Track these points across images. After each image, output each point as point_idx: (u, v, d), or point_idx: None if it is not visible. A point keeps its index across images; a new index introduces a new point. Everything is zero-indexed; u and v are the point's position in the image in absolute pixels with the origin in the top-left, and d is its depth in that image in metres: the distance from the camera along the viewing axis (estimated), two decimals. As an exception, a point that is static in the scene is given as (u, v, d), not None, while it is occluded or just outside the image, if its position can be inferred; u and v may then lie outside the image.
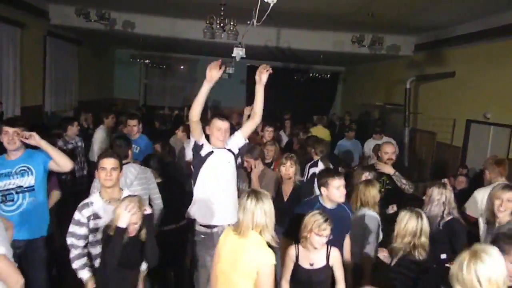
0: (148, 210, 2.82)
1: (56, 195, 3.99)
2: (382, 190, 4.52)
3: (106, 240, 2.71)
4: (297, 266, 2.95)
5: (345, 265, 3.21)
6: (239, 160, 3.73)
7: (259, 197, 2.42)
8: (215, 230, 3.44)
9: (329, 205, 3.35)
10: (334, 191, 3.28)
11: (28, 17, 7.72)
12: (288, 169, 4.29)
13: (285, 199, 4.31)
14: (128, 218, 2.62)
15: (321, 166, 5.04)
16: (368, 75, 12.91)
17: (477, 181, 4.93)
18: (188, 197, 4.08)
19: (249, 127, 3.62)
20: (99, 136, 6.31)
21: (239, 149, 3.62)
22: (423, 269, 2.81)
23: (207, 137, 3.55)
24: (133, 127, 5.24)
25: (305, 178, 5.06)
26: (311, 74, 12.80)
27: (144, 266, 2.98)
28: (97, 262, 2.94)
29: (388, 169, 4.50)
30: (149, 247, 2.78)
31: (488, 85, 6.94)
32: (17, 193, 3.33)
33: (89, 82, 11.65)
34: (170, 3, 7.47)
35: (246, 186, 4.25)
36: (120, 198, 3.01)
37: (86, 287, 2.87)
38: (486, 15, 6.66)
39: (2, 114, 6.79)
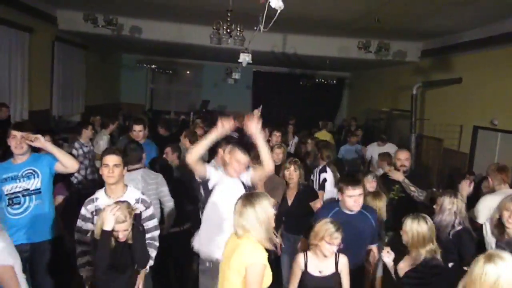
0: (137, 210, 2.82)
1: (57, 200, 4.00)
2: (396, 198, 4.53)
3: (94, 243, 2.72)
4: (305, 273, 2.93)
5: (366, 275, 3.23)
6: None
7: (250, 200, 2.38)
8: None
9: (347, 210, 3.32)
10: (347, 199, 3.27)
11: (37, 22, 7.80)
12: (292, 173, 4.30)
13: (289, 204, 4.32)
14: (113, 221, 2.61)
15: (329, 171, 5.04)
16: (374, 81, 12.89)
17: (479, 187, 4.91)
18: (193, 200, 4.09)
19: (259, 175, 3.46)
20: (104, 143, 6.37)
21: (248, 186, 3.48)
22: (441, 271, 2.83)
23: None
24: (139, 133, 5.27)
25: (316, 183, 5.05)
26: (317, 80, 12.82)
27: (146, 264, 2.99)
28: None
29: (398, 176, 4.49)
30: (137, 248, 2.75)
31: (495, 91, 6.89)
32: (23, 196, 3.35)
33: (96, 86, 11.73)
34: (177, 8, 7.51)
35: None
36: (124, 195, 3.05)
37: (84, 285, 2.89)
38: (493, 21, 6.64)
39: (9, 117, 6.85)
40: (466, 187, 4.08)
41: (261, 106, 4.41)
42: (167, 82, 15.54)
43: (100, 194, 3.05)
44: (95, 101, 11.50)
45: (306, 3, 6.32)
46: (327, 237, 2.81)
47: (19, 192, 3.33)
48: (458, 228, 3.34)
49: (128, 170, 3.77)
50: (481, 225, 3.85)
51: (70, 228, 3.34)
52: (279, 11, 2.78)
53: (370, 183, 4.58)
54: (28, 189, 3.35)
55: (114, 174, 2.97)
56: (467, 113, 7.66)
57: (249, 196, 2.45)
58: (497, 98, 6.86)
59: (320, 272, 2.92)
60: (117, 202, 2.73)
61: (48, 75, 8.74)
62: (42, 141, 3.27)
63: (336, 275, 2.96)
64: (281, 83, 14.60)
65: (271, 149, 5.30)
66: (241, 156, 3.33)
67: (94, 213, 2.98)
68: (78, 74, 10.23)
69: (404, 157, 4.63)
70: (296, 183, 4.34)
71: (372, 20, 6.87)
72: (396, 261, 3.11)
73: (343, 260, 2.99)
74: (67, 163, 3.36)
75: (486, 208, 3.78)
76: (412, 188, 4.37)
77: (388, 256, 3.11)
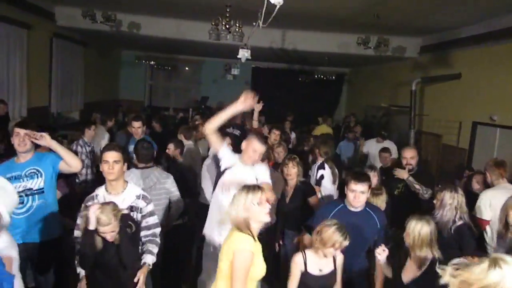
0: (124, 211, 2.81)
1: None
2: (398, 191, 4.55)
3: (79, 243, 2.74)
4: (306, 274, 2.88)
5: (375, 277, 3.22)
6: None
7: (238, 191, 2.44)
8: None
9: (351, 207, 3.27)
10: (349, 194, 3.22)
11: (35, 19, 7.77)
12: (290, 170, 4.30)
13: (287, 200, 4.33)
14: (95, 221, 2.61)
15: (327, 168, 5.04)
16: (374, 77, 12.87)
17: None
18: (190, 193, 4.11)
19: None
20: (105, 143, 6.38)
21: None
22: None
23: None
24: (138, 129, 5.32)
25: (313, 179, 5.05)
26: (316, 76, 12.82)
27: (149, 260, 2.98)
28: None
29: (402, 174, 4.49)
30: (123, 248, 2.72)
31: (495, 87, 6.89)
32: (26, 195, 3.33)
33: (95, 83, 11.71)
34: (176, 4, 7.49)
35: None
36: (123, 191, 3.05)
37: (80, 284, 2.88)
38: (492, 17, 6.63)
39: (7, 114, 6.84)
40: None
41: (261, 102, 4.41)
42: (166, 78, 15.52)
43: (100, 190, 3.05)
44: (94, 97, 11.48)
45: (305, -2, 6.31)
46: (336, 245, 2.77)
47: (22, 191, 3.31)
48: (459, 223, 3.34)
49: (140, 168, 3.81)
50: (480, 220, 3.87)
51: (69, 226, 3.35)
52: (278, 6, 2.78)
53: (372, 178, 4.59)
54: (31, 188, 3.34)
55: (114, 170, 2.97)
56: (466, 109, 7.66)
57: (241, 188, 2.46)
58: (496, 93, 6.86)
59: (320, 270, 2.89)
60: (102, 204, 2.72)
61: (46, 71, 8.72)
62: (47, 139, 3.26)
63: (335, 273, 2.95)
64: (280, 79, 14.59)
65: (271, 147, 5.32)
66: (257, 145, 3.42)
67: None
68: (76, 71, 10.20)
69: (410, 155, 4.60)
70: (294, 179, 4.34)
71: (371, 16, 6.86)
72: (396, 258, 3.10)
73: (340, 256, 2.97)
74: (71, 162, 3.35)
75: (487, 203, 3.79)
76: (417, 186, 4.36)
77: (381, 254, 3.07)
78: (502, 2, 5.85)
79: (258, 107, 5.41)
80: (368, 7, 6.53)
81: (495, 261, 1.86)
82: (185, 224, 4.33)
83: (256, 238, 2.41)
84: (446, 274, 1.75)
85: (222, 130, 4.49)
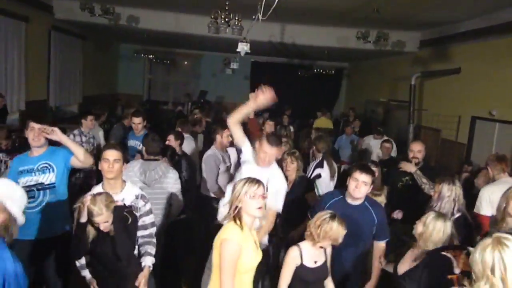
0: (118, 202, 2.81)
1: None
2: (401, 184, 4.56)
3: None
4: (302, 267, 2.85)
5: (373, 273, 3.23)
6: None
7: (238, 181, 2.49)
8: None
9: (350, 200, 3.25)
10: (351, 182, 3.19)
11: (33, 11, 7.72)
12: (289, 165, 4.28)
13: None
14: (86, 213, 2.62)
15: (326, 167, 4.99)
16: (373, 71, 12.85)
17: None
18: (186, 190, 4.10)
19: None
20: (101, 137, 6.35)
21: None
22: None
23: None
24: (138, 125, 5.31)
25: (309, 176, 5.04)
26: (315, 70, 12.80)
27: (149, 262, 2.98)
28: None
29: (410, 167, 4.45)
30: (117, 240, 2.71)
31: (494, 82, 6.88)
32: (38, 190, 3.33)
33: (93, 76, 11.67)
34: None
35: None
36: (122, 190, 3.05)
37: (90, 286, 2.87)
38: (492, 11, 6.60)
39: (5, 106, 6.82)
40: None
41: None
42: (164, 72, 15.47)
43: (97, 189, 3.02)
44: (92, 91, 11.45)
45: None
46: (339, 239, 2.78)
47: (33, 185, 3.31)
48: (457, 215, 3.36)
49: (148, 159, 3.81)
50: (481, 216, 3.85)
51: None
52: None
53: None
54: (43, 183, 3.34)
55: (114, 169, 2.96)
56: (465, 104, 7.66)
57: (249, 178, 2.49)
58: (495, 88, 6.85)
59: (315, 262, 2.88)
60: (94, 195, 2.71)
61: (44, 65, 8.68)
62: (58, 134, 3.25)
63: (326, 263, 2.95)
64: (279, 74, 14.55)
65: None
66: (267, 148, 3.36)
67: None
68: (75, 64, 10.16)
69: (417, 149, 4.58)
70: (293, 174, 4.32)
71: (371, 10, 6.83)
72: (397, 252, 3.10)
73: (330, 248, 2.96)
74: (81, 157, 3.33)
75: (487, 199, 3.77)
76: (424, 180, 4.32)
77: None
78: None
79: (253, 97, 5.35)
80: (368, 1, 6.50)
81: (498, 241, 1.86)
82: (184, 219, 4.33)
83: (246, 230, 2.42)
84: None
85: (222, 121, 4.51)
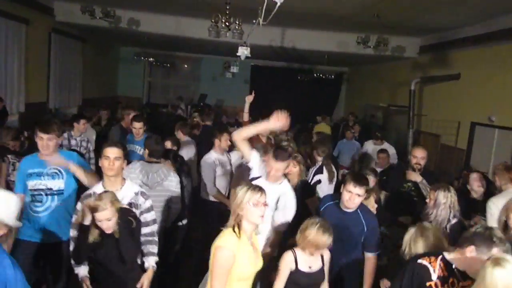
0: (123, 205, 2.81)
1: None
2: (403, 190, 4.52)
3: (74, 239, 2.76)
4: (296, 271, 2.87)
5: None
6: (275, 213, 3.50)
7: (239, 187, 2.43)
8: None
9: (343, 207, 3.23)
10: (344, 193, 3.18)
11: (33, 14, 7.73)
12: (291, 169, 4.26)
13: None
14: (90, 216, 2.61)
15: (325, 172, 4.95)
16: (373, 76, 12.87)
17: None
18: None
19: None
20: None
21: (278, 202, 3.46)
22: None
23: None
24: (139, 130, 5.26)
25: (310, 182, 5.00)
26: (315, 74, 12.78)
27: (152, 262, 2.97)
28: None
29: (416, 177, 4.39)
30: (122, 241, 2.70)
31: (493, 87, 6.89)
32: (46, 195, 3.32)
33: (93, 79, 11.67)
34: (175, 1, 7.46)
35: None
36: (122, 187, 3.04)
37: (82, 284, 2.84)
38: (492, 17, 6.63)
39: (5, 108, 6.81)
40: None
41: (253, 92, 4.40)
42: (164, 75, 15.48)
43: (98, 188, 3.01)
44: (92, 93, 11.44)
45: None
46: (320, 246, 2.78)
47: (42, 190, 3.31)
48: (453, 221, 3.35)
49: (149, 161, 3.79)
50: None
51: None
52: (278, 4, 2.76)
53: (371, 181, 4.58)
54: (51, 188, 3.33)
55: (115, 167, 2.96)
56: (465, 109, 7.66)
57: (251, 185, 2.47)
58: (494, 94, 6.86)
59: (310, 267, 2.88)
60: (100, 193, 2.71)
61: (44, 67, 8.67)
62: (73, 168, 3.29)
63: (323, 269, 2.94)
64: (279, 78, 14.58)
65: (268, 143, 5.28)
66: (272, 162, 3.33)
67: None
68: (75, 67, 10.16)
69: (420, 155, 4.51)
70: (295, 179, 4.26)
71: (371, 15, 6.85)
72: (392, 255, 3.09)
73: (327, 254, 2.96)
74: (86, 183, 3.32)
75: (495, 211, 3.60)
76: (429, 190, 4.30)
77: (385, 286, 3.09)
78: (502, 3, 5.84)
79: (250, 99, 5.33)
80: (368, 6, 6.52)
81: (497, 261, 1.88)
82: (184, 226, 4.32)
83: (245, 237, 2.39)
84: None
85: (222, 125, 4.49)
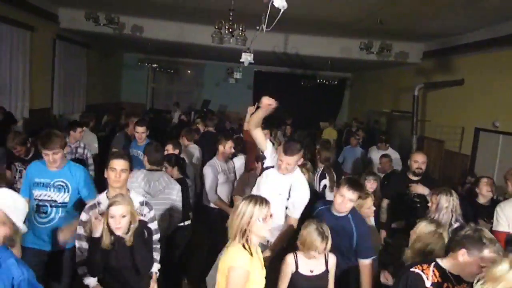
0: (141, 217, 2.83)
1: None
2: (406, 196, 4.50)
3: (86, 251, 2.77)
4: (297, 274, 2.87)
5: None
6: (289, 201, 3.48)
7: (245, 201, 2.35)
8: None
9: (335, 211, 3.22)
10: (337, 196, 3.18)
11: (38, 21, 7.79)
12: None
13: None
14: (100, 227, 2.61)
15: (328, 177, 4.95)
16: (376, 82, 12.86)
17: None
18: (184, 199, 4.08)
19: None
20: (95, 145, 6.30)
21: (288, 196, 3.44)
22: None
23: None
24: (142, 134, 5.26)
25: (318, 189, 4.98)
26: (318, 80, 12.80)
27: (155, 269, 2.99)
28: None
29: (422, 190, 4.36)
30: (138, 252, 2.71)
31: (497, 93, 6.87)
32: (51, 206, 3.33)
33: (97, 85, 11.72)
34: (179, 8, 7.50)
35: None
36: None
37: None
38: (495, 23, 6.62)
39: (11, 114, 6.83)
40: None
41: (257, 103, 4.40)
42: (168, 81, 15.54)
43: (102, 198, 3.01)
44: (96, 99, 11.49)
45: (309, 3, 6.31)
46: (319, 249, 2.77)
47: (47, 201, 3.31)
48: (455, 225, 3.34)
49: (151, 170, 3.79)
50: (497, 233, 3.74)
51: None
52: (282, 10, 2.76)
53: (371, 184, 4.57)
54: (56, 201, 3.33)
55: (121, 179, 2.96)
56: (469, 115, 7.64)
57: (257, 198, 2.38)
58: (499, 100, 6.84)
59: (311, 271, 2.88)
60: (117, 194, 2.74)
61: (49, 73, 8.72)
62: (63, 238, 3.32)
63: (327, 274, 2.93)
64: (282, 83, 14.58)
65: None
66: (282, 156, 3.29)
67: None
68: (79, 73, 10.21)
69: (421, 160, 4.55)
70: None
71: (374, 21, 6.86)
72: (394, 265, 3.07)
73: (333, 259, 2.95)
74: (62, 238, 3.34)
75: (503, 217, 3.58)
76: None
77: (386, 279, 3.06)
78: (505, 9, 5.84)
79: (251, 110, 5.32)
80: (371, 12, 6.53)
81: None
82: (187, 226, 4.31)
83: (254, 252, 2.34)
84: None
85: (225, 130, 4.47)
